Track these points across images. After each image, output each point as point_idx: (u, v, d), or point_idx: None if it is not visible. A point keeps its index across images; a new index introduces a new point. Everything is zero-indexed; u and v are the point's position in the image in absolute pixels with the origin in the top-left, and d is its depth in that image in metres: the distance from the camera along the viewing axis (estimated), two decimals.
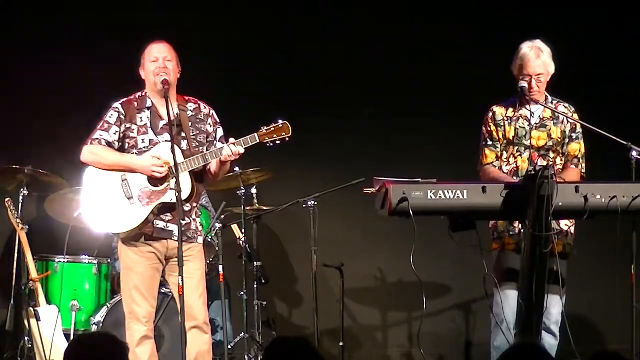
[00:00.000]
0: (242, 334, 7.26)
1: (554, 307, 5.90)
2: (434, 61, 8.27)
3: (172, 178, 5.64)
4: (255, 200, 7.49)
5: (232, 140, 5.80)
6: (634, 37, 8.28)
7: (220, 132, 5.99)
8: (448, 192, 5.49)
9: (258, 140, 5.81)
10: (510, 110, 6.11)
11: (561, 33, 8.23)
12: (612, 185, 5.59)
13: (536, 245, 5.52)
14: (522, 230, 5.88)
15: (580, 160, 6.13)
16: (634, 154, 5.76)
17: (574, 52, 8.24)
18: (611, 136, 5.81)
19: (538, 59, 6.00)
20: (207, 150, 5.88)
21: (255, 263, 7.42)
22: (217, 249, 7.11)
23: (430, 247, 7.10)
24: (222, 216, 7.15)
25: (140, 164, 5.78)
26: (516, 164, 6.07)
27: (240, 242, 7.43)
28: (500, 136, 6.09)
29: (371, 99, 8.34)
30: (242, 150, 5.78)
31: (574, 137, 6.11)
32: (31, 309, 6.89)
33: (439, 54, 8.29)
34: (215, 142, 5.94)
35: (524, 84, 6.00)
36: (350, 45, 8.34)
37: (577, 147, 6.12)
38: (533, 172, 5.52)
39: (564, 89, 6.27)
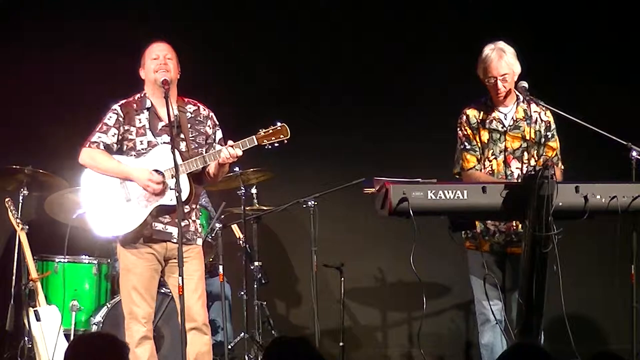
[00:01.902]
0: (242, 334, 7.26)
1: None
2: (434, 61, 8.26)
3: (172, 178, 5.64)
4: (255, 200, 7.49)
5: (230, 142, 5.80)
6: (635, 36, 8.27)
7: (219, 134, 5.98)
8: (448, 192, 5.48)
9: (256, 143, 5.80)
10: (482, 113, 6.07)
11: (561, 33, 8.26)
12: (612, 185, 5.58)
13: (536, 246, 5.52)
14: (495, 230, 5.94)
15: (559, 156, 6.09)
16: (634, 154, 5.76)
17: (573, 52, 8.26)
18: (611, 136, 5.81)
19: (501, 59, 5.95)
20: (205, 152, 5.87)
21: (255, 263, 7.43)
22: (216, 249, 7.11)
23: (430, 247, 7.08)
24: (222, 216, 7.15)
25: (137, 177, 5.76)
26: (491, 167, 6.04)
27: (240, 242, 7.43)
28: (477, 139, 6.07)
29: (371, 99, 8.33)
30: (240, 153, 5.77)
31: (549, 137, 6.06)
32: (31, 309, 6.88)
33: (439, 54, 8.28)
34: (214, 144, 5.93)
35: (524, 83, 5.98)
36: (350, 45, 8.33)
37: (554, 145, 6.08)
38: (533, 172, 5.51)
39: (564, 89, 6.28)
